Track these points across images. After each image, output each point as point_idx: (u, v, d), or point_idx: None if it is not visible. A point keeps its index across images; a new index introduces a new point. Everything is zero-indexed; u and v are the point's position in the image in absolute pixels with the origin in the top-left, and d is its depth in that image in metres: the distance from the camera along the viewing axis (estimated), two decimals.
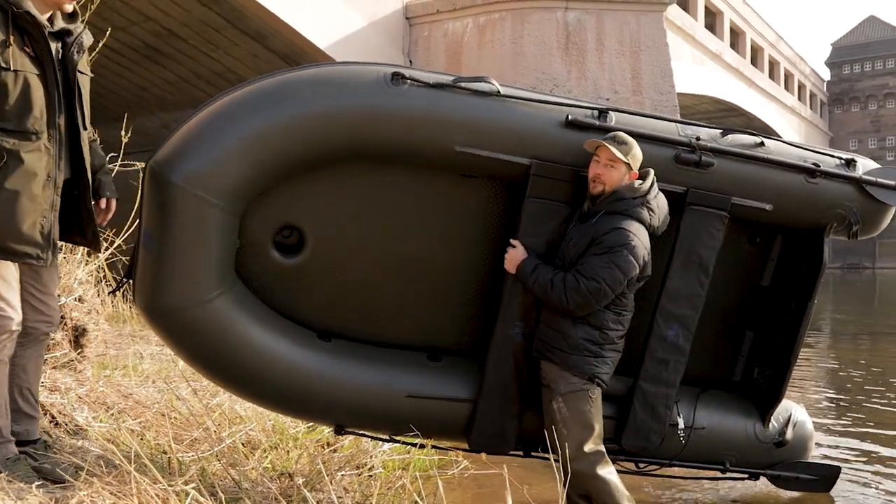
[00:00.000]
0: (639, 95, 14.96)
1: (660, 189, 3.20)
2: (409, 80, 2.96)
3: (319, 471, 3.29)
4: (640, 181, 3.14)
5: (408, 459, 4.08)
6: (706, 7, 29.64)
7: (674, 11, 21.25)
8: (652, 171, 3.17)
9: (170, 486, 2.51)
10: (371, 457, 3.90)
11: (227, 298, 2.96)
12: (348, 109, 2.92)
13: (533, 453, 3.43)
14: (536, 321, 3.22)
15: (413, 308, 3.33)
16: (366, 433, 3.39)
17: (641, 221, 3.09)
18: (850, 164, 3.46)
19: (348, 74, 3.00)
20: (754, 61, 37.58)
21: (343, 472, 3.65)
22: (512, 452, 3.41)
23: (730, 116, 32.15)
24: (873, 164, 3.57)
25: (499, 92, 3.07)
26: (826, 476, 3.78)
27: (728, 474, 3.71)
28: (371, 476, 3.74)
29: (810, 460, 3.82)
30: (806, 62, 50.81)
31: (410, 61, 15.85)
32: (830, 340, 13.02)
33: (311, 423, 3.75)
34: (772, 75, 41.08)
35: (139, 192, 2.94)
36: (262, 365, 3.03)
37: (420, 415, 3.18)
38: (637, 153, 3.11)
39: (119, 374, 4.54)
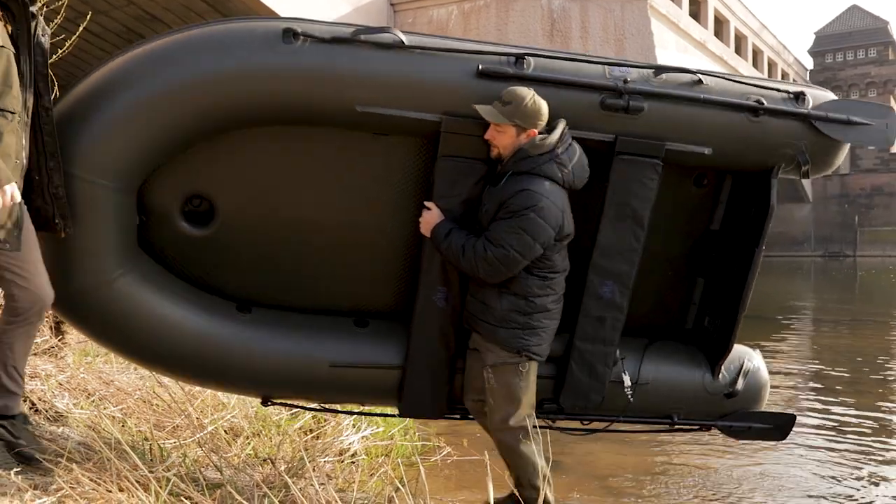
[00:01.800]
0: None
1: (585, 138, 2.99)
2: (301, 36, 2.76)
3: (301, 457, 3.30)
4: (545, 135, 2.89)
5: (390, 446, 4.10)
6: None
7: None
8: (563, 122, 2.92)
9: (150, 472, 2.51)
10: (353, 443, 3.92)
11: (133, 277, 2.88)
12: (237, 70, 2.74)
13: (471, 416, 3.30)
14: (462, 285, 3.08)
15: (337, 272, 3.20)
16: (295, 404, 3.29)
17: (552, 179, 2.87)
18: (798, 97, 3.17)
19: (237, 32, 2.81)
20: (738, 50, 37.68)
21: (325, 459, 3.67)
22: (449, 416, 3.31)
23: None
24: (828, 96, 3.28)
25: (403, 43, 2.83)
26: (780, 424, 3.59)
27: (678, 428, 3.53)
28: (353, 462, 3.76)
29: (764, 409, 3.60)
30: (789, 51, 51.02)
31: None
32: (812, 327, 13.17)
33: (237, 395, 3.69)
34: (755, 64, 41.22)
35: None
36: (178, 340, 2.94)
37: (346, 383, 3.08)
38: (529, 110, 2.83)
39: (100, 361, 4.52)
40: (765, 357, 3.64)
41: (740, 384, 3.42)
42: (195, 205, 3.03)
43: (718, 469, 4.50)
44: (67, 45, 5.36)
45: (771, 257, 35.95)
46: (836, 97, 3.31)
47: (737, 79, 3.23)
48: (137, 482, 2.43)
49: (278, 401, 3.22)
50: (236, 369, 3.01)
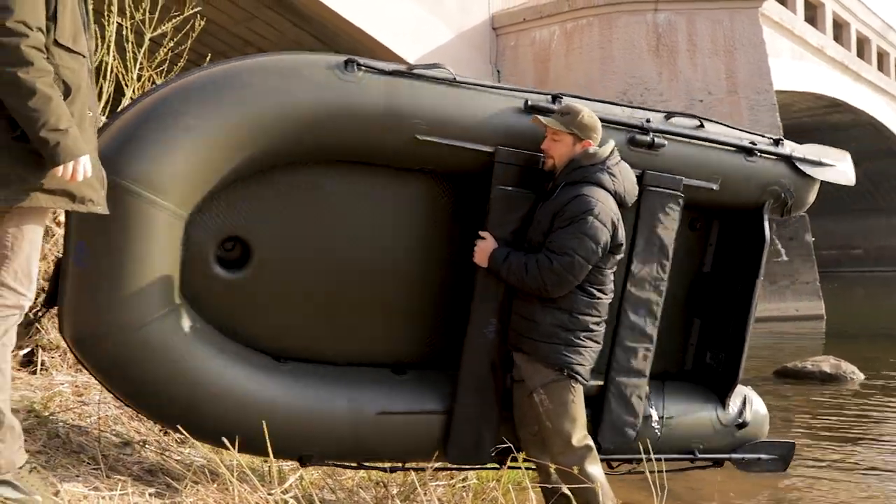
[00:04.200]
0: (734, 95, 14.49)
1: None
2: (363, 67, 2.80)
3: (413, 481, 3.34)
4: (596, 148, 3.03)
5: (501, 470, 4.08)
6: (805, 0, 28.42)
7: (770, 6, 20.47)
8: (613, 142, 3.08)
9: (269, 494, 2.60)
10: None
11: (174, 319, 2.64)
12: (303, 101, 2.72)
13: (509, 464, 3.23)
14: (509, 316, 3.07)
15: (370, 320, 3.13)
16: (333, 462, 3.07)
17: (603, 186, 2.96)
18: (778, 143, 3.58)
19: (299, 64, 2.80)
20: (860, 53, 35.71)
21: (436, 483, 3.69)
22: (488, 465, 3.24)
23: (834, 112, 30.64)
24: (795, 145, 3.69)
25: (455, 79, 2.97)
26: (783, 454, 3.69)
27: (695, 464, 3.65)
28: (464, 487, 3.76)
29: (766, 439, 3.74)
30: None
31: (498, 71, 15.90)
32: None
33: (277, 458, 3.03)
34: (881, 66, 38.87)
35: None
36: (219, 396, 2.70)
37: (393, 431, 2.98)
38: (586, 121, 2.99)
39: None
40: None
41: (748, 414, 3.60)
42: (227, 248, 2.89)
43: (838, 494, 4.27)
44: None
45: (887, 273, 33.66)
46: (800, 144, 3.70)
47: (727, 125, 3.60)
48: None
49: (317, 461, 3.00)
50: (282, 426, 2.74)
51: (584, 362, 3.00)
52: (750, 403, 3.64)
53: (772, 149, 3.52)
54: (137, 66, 4.97)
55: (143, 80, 4.99)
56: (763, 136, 3.60)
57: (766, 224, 3.49)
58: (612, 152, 3.04)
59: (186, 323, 2.70)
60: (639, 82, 14.46)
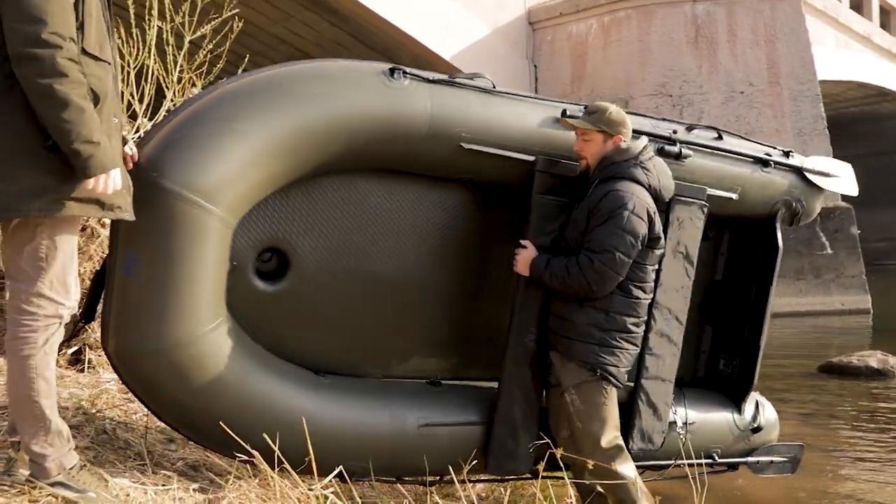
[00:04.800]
0: (776, 86, 14.22)
1: None
2: (408, 75, 2.80)
3: (452, 477, 3.35)
4: (628, 144, 3.04)
5: (539, 466, 4.07)
6: None
7: None
8: (645, 138, 3.13)
9: (310, 489, 2.64)
10: None
11: (221, 334, 2.57)
12: (352, 109, 2.67)
13: (543, 473, 3.17)
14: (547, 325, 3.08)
15: (408, 332, 3.14)
16: (375, 477, 2.98)
17: (636, 181, 2.96)
18: (788, 154, 3.70)
19: (346, 71, 2.77)
20: None
21: (475, 479, 3.70)
22: (528, 476, 3.24)
23: (882, 102, 29.88)
24: (803, 157, 3.82)
25: (494, 87, 2.99)
26: (793, 456, 3.77)
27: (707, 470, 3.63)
28: (503, 483, 3.77)
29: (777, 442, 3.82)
30: None
31: (535, 66, 15.82)
32: None
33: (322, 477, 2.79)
34: None
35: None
36: (260, 413, 2.63)
37: (435, 445, 2.95)
38: (613, 117, 3.01)
39: None
40: None
41: (762, 418, 3.68)
42: (264, 260, 2.85)
43: (880, 491, 4.19)
44: None
45: None
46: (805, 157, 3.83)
47: (741, 136, 3.72)
48: (298, 499, 2.57)
49: (360, 476, 2.93)
50: (324, 442, 2.68)
51: (618, 364, 2.99)
52: (762, 408, 3.73)
53: (784, 160, 3.65)
54: (178, 68, 5.07)
55: (183, 82, 5.08)
56: (775, 148, 3.71)
57: (780, 232, 3.61)
58: (644, 148, 3.06)
59: (232, 337, 2.64)
60: (678, 75, 14.28)
